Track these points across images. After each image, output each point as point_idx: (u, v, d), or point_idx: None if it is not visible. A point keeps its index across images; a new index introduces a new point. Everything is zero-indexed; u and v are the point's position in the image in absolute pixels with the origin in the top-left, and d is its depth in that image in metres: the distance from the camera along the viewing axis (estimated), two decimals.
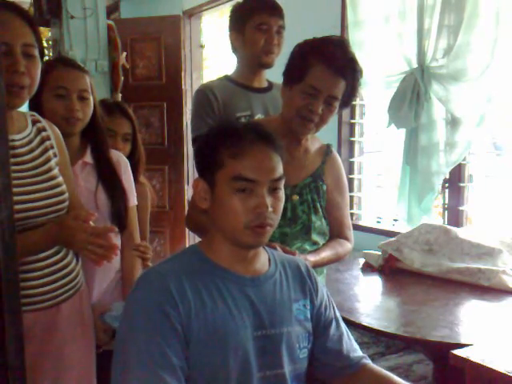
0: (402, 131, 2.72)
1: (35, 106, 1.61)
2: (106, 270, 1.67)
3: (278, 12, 2.01)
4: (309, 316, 1.26)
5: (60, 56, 1.94)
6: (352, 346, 1.31)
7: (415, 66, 2.61)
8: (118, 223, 1.72)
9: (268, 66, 2.04)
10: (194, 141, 2.04)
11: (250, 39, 2.00)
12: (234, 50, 2.11)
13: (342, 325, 1.34)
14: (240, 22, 2.02)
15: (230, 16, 2.10)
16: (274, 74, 1.93)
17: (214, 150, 1.15)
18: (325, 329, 1.29)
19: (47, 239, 1.38)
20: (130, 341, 1.07)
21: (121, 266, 1.78)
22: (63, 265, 1.47)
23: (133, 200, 1.81)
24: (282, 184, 1.17)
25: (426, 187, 2.66)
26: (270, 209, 1.13)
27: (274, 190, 1.15)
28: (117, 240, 1.75)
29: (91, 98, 1.67)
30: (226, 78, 2.10)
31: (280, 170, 1.16)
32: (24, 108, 1.54)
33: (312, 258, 1.56)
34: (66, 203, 1.46)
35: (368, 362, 1.30)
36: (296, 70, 1.56)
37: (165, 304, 1.08)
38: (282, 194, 1.18)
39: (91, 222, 1.35)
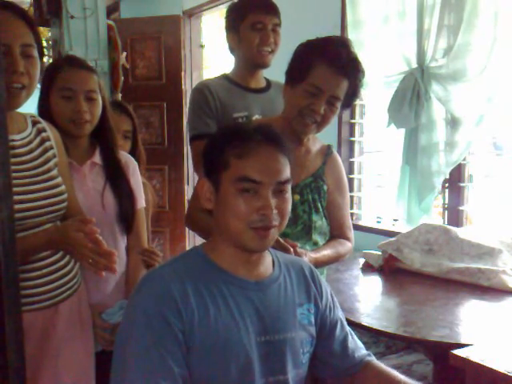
0: (402, 131, 2.72)
1: (44, 109, 1.60)
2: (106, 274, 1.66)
3: (272, 10, 1.99)
4: (313, 320, 1.24)
5: (67, 56, 1.92)
6: (356, 345, 1.30)
7: (415, 65, 2.61)
8: (125, 224, 1.71)
9: (264, 65, 2.02)
10: (192, 140, 2.03)
11: (245, 39, 1.98)
12: (231, 50, 2.09)
13: (346, 324, 1.33)
14: (235, 22, 2.01)
15: (226, 16, 2.09)
16: (275, 73, 1.93)
17: (220, 150, 1.14)
18: (330, 331, 1.28)
19: (48, 245, 1.38)
20: (130, 346, 1.06)
21: (126, 267, 1.75)
22: (61, 265, 1.46)
23: (141, 202, 1.79)
24: (288, 187, 1.16)
25: (425, 187, 2.66)
26: (275, 211, 1.11)
27: (280, 192, 1.13)
28: (123, 241, 1.75)
29: (99, 99, 1.63)
30: (224, 76, 2.09)
31: (287, 172, 1.15)
32: (33, 111, 1.54)
33: (313, 254, 1.56)
34: (65, 203, 1.46)
35: (371, 359, 1.29)
36: (299, 69, 1.55)
37: (166, 310, 1.06)
38: (288, 196, 1.16)
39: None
